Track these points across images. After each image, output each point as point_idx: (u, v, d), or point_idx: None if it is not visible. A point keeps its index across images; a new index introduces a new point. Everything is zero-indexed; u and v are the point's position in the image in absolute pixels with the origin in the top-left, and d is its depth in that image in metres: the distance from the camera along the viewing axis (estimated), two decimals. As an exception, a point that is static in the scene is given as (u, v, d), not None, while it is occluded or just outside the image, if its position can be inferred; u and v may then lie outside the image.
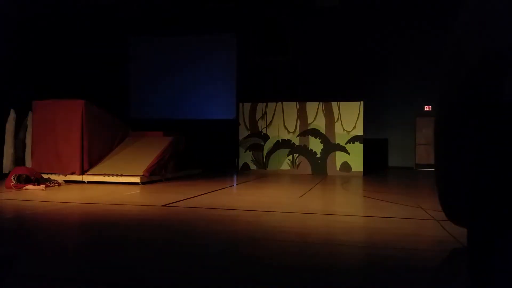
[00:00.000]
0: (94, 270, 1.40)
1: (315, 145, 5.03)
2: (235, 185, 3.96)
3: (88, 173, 3.66)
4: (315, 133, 5.01)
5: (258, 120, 5.08)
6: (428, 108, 5.25)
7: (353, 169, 4.87)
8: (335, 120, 4.92)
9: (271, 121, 5.05)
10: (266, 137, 5.08)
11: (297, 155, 5.05)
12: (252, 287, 1.31)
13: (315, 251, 1.76)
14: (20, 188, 3.25)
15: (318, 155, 4.97)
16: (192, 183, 3.81)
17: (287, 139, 5.06)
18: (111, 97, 4.67)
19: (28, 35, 3.93)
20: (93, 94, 4.55)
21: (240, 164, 5.16)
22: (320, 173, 4.88)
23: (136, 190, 3.32)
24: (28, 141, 3.93)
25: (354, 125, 4.86)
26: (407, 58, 5.08)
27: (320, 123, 4.98)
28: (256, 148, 5.12)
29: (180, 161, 4.20)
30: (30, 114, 3.89)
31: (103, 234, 1.94)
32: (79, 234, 2.04)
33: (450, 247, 1.71)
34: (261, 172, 4.99)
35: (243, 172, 4.98)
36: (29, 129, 3.95)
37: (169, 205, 2.68)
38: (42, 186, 3.30)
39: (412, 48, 5.04)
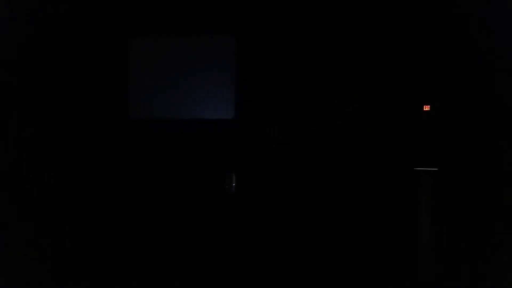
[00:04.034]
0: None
1: (315, 146, 5.03)
2: (234, 184, 3.98)
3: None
4: (316, 134, 5.01)
5: (258, 121, 5.08)
6: (427, 108, 5.27)
7: (353, 170, 4.87)
8: (336, 120, 4.93)
9: (271, 122, 5.05)
10: (266, 138, 5.07)
11: (297, 156, 5.05)
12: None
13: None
14: None
15: (318, 156, 4.97)
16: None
17: (287, 140, 5.06)
18: (110, 99, 4.67)
19: (26, 34, 3.93)
20: (92, 95, 4.54)
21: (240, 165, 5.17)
22: (320, 174, 4.88)
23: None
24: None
25: (354, 126, 4.87)
26: (407, 58, 5.09)
27: (320, 124, 4.98)
28: (256, 149, 5.12)
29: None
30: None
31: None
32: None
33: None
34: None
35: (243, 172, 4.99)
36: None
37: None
38: None
39: (412, 48, 5.05)
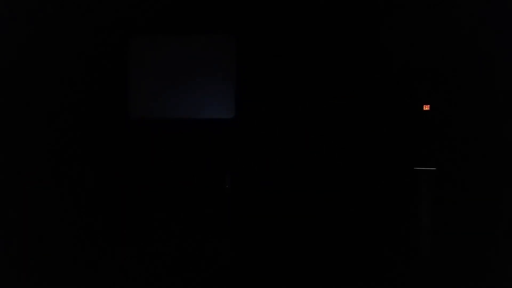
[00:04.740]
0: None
1: (315, 146, 5.02)
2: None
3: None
4: (315, 133, 5.00)
5: (259, 121, 5.07)
6: (427, 108, 5.26)
7: (352, 170, 4.86)
8: (336, 120, 4.92)
9: (271, 122, 5.04)
10: (266, 138, 5.07)
11: (296, 156, 5.05)
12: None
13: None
14: None
15: (318, 156, 4.97)
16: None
17: (287, 139, 5.05)
18: (110, 99, 4.66)
19: (26, 34, 3.93)
20: (92, 95, 4.53)
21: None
22: (320, 174, 4.87)
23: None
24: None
25: (354, 125, 4.86)
26: (407, 57, 5.07)
27: (320, 124, 4.97)
28: (256, 149, 5.12)
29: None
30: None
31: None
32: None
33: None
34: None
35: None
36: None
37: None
38: None
39: (412, 48, 5.03)
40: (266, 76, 4.15)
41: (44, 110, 3.75)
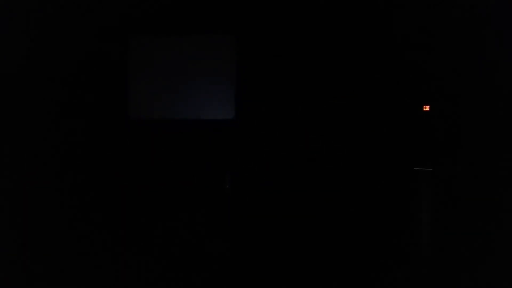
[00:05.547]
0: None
1: (315, 146, 5.02)
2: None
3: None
4: (316, 133, 5.00)
5: (258, 121, 5.06)
6: (427, 108, 5.24)
7: (352, 170, 4.85)
8: (336, 120, 4.91)
9: (271, 122, 5.04)
10: (266, 138, 5.07)
11: (296, 156, 5.04)
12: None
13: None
14: None
15: (318, 156, 4.96)
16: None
17: (287, 140, 5.05)
18: (110, 99, 4.66)
19: (26, 34, 3.92)
20: (92, 95, 4.53)
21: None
22: (320, 174, 4.87)
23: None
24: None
25: (354, 125, 4.86)
26: (407, 57, 5.06)
27: (320, 124, 4.97)
28: (256, 149, 5.11)
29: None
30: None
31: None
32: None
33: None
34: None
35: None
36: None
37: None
38: None
39: (412, 48, 5.03)
40: (266, 77, 4.14)
41: (44, 110, 3.75)
